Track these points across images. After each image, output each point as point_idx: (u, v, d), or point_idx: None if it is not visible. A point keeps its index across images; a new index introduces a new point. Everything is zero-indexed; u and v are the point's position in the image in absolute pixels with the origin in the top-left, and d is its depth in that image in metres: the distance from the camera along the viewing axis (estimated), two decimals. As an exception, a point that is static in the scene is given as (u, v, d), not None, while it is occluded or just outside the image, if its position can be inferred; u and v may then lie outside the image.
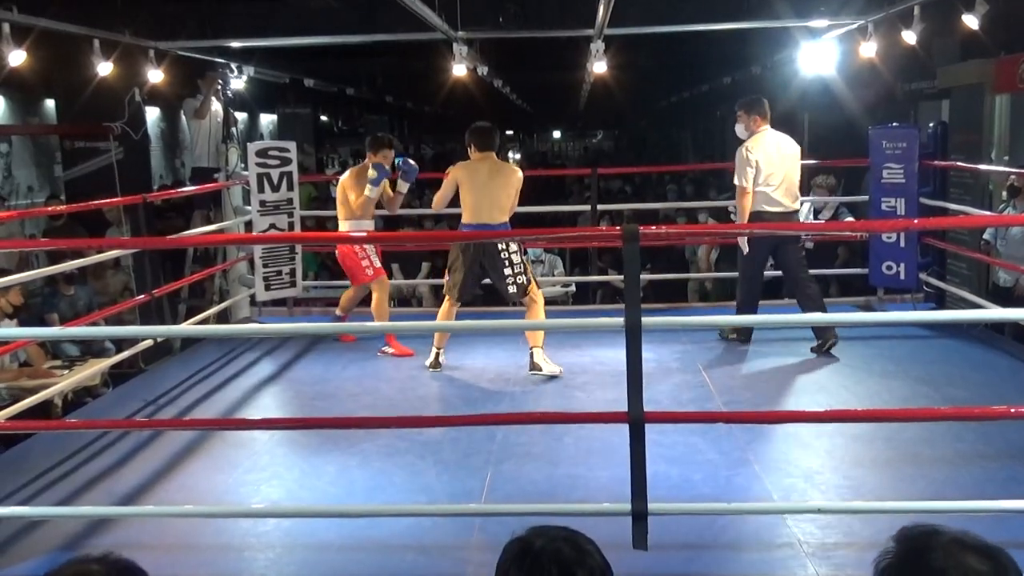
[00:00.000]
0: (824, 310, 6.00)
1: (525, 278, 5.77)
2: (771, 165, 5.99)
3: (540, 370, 5.68)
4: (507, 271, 5.71)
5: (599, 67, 8.48)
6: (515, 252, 5.74)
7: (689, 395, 5.31)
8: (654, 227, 3.50)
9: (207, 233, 7.32)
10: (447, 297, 5.87)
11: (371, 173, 6.23)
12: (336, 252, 6.61)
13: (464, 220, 5.74)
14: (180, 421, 5.10)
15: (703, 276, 9.20)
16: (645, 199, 14.50)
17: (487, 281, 5.88)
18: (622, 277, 8.98)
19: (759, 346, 6.28)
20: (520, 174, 5.82)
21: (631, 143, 33.78)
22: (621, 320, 3.29)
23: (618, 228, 3.29)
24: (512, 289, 5.73)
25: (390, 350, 6.31)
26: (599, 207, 7.79)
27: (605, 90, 15.57)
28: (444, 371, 5.93)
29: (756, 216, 5.96)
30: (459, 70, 8.66)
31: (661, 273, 9.09)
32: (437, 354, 5.95)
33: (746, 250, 6.09)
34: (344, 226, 6.37)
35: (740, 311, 6.18)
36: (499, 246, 5.67)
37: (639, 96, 21.57)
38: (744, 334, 6.33)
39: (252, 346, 6.74)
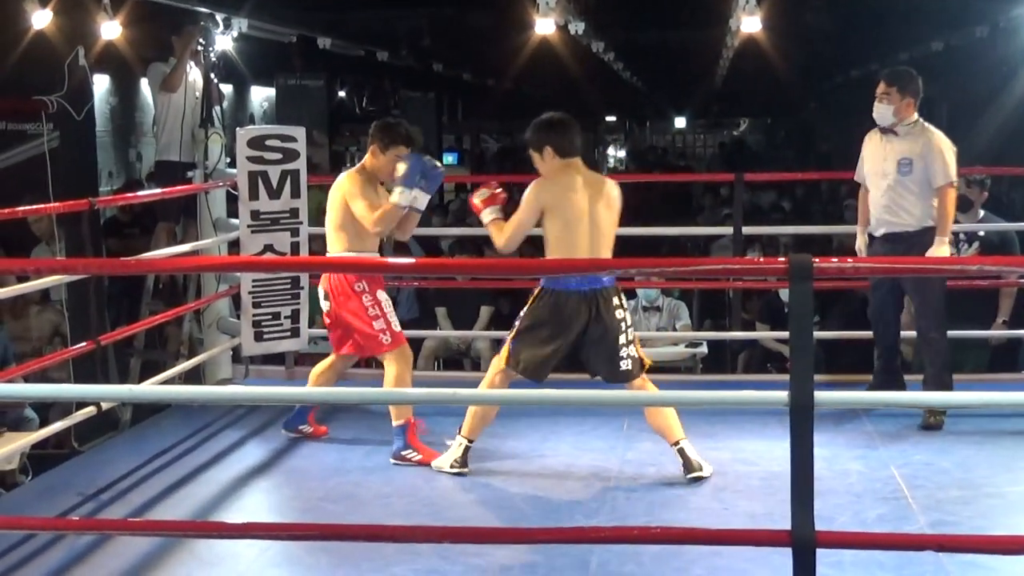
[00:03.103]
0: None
1: (636, 350, 5.73)
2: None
3: (700, 471, 5.66)
4: (621, 340, 5.64)
5: (749, 24, 8.54)
6: (628, 309, 5.74)
7: (877, 509, 5.26)
8: (835, 259, 3.48)
9: (174, 257, 7.45)
10: (503, 365, 5.74)
11: (400, 168, 6.06)
12: (324, 301, 6.25)
13: None
14: (132, 523, 5.17)
15: (903, 336, 9.07)
16: (811, 220, 14.43)
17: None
18: (779, 335, 8.89)
19: (987, 440, 6.22)
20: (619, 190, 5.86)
21: (791, 137, 33.67)
22: (783, 396, 3.28)
23: (782, 260, 3.29)
24: (626, 366, 5.65)
25: (415, 456, 6.01)
26: (744, 229, 7.77)
27: (755, 59, 15.59)
28: (509, 463, 5.94)
29: (925, 233, 6.55)
30: (544, 27, 8.77)
31: (838, 329, 9.01)
32: (466, 448, 5.83)
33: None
34: None
35: (942, 375, 6.41)
36: (614, 302, 5.63)
37: (805, 69, 21.54)
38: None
39: (235, 420, 6.83)
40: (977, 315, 7.80)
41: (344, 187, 6.18)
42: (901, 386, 6.69)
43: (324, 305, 6.24)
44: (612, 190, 5.78)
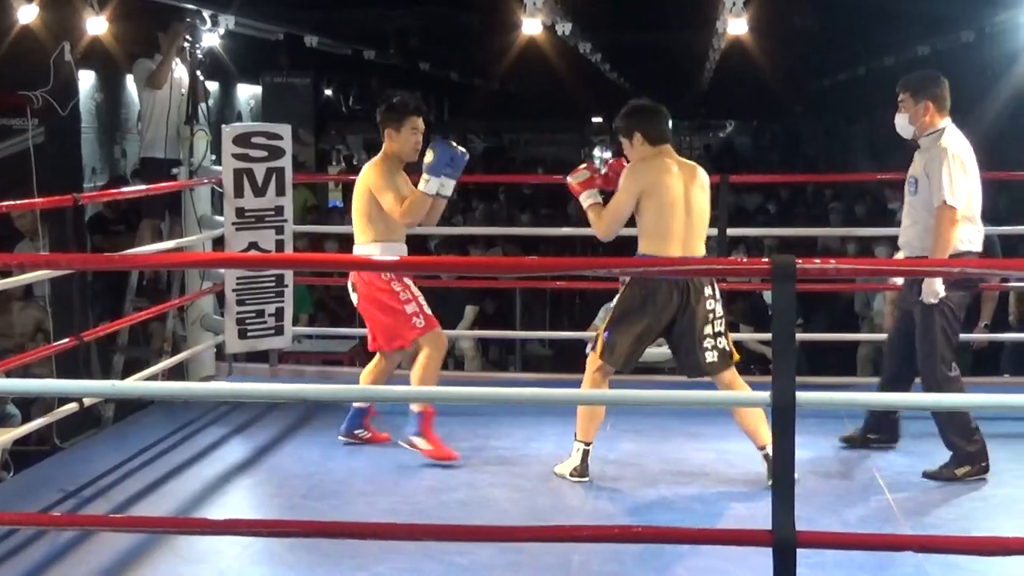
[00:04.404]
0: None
1: (727, 342, 5.66)
2: (975, 178, 5.88)
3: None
4: (708, 330, 5.57)
5: (736, 26, 8.56)
6: (718, 300, 5.63)
7: (859, 510, 5.29)
8: (818, 260, 3.49)
9: (158, 253, 7.44)
10: (600, 361, 5.63)
11: (428, 155, 5.95)
12: (353, 294, 6.16)
13: (651, 253, 5.56)
14: (113, 519, 5.16)
15: (884, 338, 9.10)
16: (796, 222, 14.46)
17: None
18: (761, 336, 8.95)
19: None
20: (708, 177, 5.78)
21: (777, 140, 33.72)
22: (766, 396, 3.30)
23: (765, 260, 3.31)
24: (711, 358, 5.58)
25: (423, 444, 6.00)
26: (729, 231, 7.79)
27: (742, 61, 15.63)
28: (493, 462, 5.94)
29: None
30: (530, 27, 8.78)
31: (821, 332, 9.05)
32: (585, 453, 5.69)
33: (939, 294, 5.71)
34: (368, 252, 6.09)
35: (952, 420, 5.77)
36: (706, 292, 5.55)
37: (792, 72, 21.60)
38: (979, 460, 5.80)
39: (218, 418, 6.82)
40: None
41: (369, 178, 6.05)
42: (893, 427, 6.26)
43: (353, 297, 6.17)
44: (704, 176, 5.73)
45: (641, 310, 5.54)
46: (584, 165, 5.87)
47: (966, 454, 5.71)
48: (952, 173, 5.74)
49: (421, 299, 6.09)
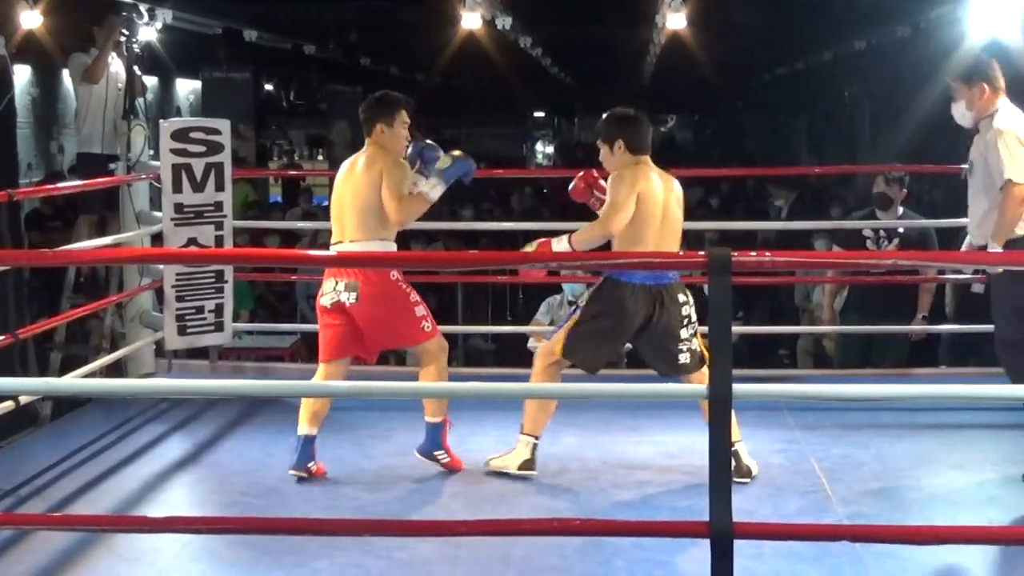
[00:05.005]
0: None
1: (699, 344, 5.64)
2: None
3: (749, 477, 5.57)
4: (683, 333, 5.57)
5: (675, 21, 8.62)
6: (691, 304, 5.62)
7: (797, 502, 5.34)
8: (754, 253, 3.54)
9: (96, 249, 7.38)
10: (557, 356, 5.61)
11: (444, 161, 5.77)
12: (346, 293, 5.67)
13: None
14: (51, 518, 5.13)
15: (823, 330, 9.20)
16: (737, 215, 14.57)
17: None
18: (704, 330, 9.11)
19: (906, 434, 6.31)
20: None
21: (718, 134, 33.91)
22: (702, 388, 3.32)
23: (702, 253, 3.34)
24: (684, 359, 5.59)
25: (444, 458, 5.81)
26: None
27: (682, 56, 15.71)
28: (441, 460, 5.95)
29: (1018, 244, 5.74)
30: (470, 21, 8.80)
31: (760, 325, 9.12)
32: (534, 446, 5.66)
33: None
34: (370, 249, 5.72)
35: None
36: (680, 299, 5.56)
37: (731, 66, 21.70)
38: None
39: (157, 415, 6.78)
40: (897, 310, 7.91)
41: (382, 171, 5.66)
42: None
43: (347, 296, 5.65)
44: (679, 189, 5.75)
45: (610, 314, 5.51)
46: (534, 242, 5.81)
47: None
48: (1011, 148, 5.65)
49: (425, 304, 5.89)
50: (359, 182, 5.71)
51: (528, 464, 5.65)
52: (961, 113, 5.92)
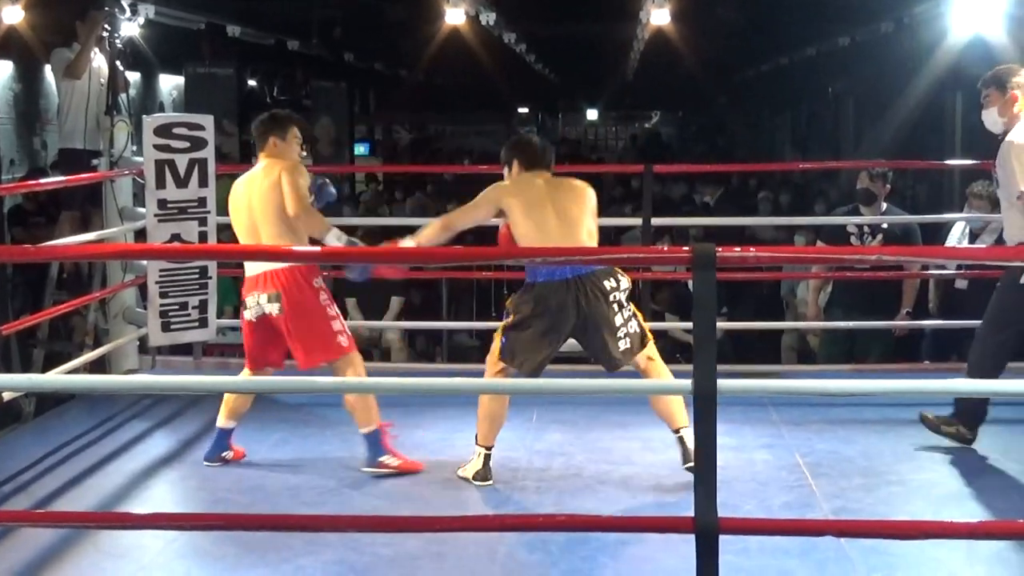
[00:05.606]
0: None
1: (637, 324, 5.61)
2: None
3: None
4: (617, 320, 5.50)
5: (659, 17, 8.64)
6: (624, 289, 5.57)
7: (782, 497, 5.35)
8: (738, 248, 3.54)
9: (79, 244, 7.37)
10: (500, 365, 5.60)
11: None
12: (270, 304, 5.70)
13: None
14: (34, 515, 5.13)
15: (807, 326, 9.23)
16: (722, 211, 14.56)
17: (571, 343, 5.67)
18: (687, 325, 9.06)
19: (890, 429, 6.33)
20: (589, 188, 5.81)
21: (702, 130, 33.97)
22: (687, 384, 3.32)
23: (686, 248, 3.34)
24: (624, 345, 5.52)
25: (392, 461, 5.75)
26: (654, 221, 7.83)
27: (666, 52, 15.72)
28: (418, 453, 5.93)
29: None
30: (454, 17, 8.80)
31: (744, 320, 9.13)
32: (487, 457, 5.64)
33: None
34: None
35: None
36: (607, 286, 5.50)
37: (715, 62, 21.75)
38: (970, 426, 5.97)
39: (141, 411, 6.77)
40: (881, 306, 7.93)
41: (280, 176, 5.71)
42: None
43: (271, 308, 5.70)
44: (577, 184, 5.78)
45: (535, 315, 5.49)
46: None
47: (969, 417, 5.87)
48: (1016, 164, 5.67)
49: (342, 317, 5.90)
50: (263, 189, 5.78)
51: (480, 475, 5.60)
52: (993, 120, 5.91)
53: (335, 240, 5.69)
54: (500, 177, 5.87)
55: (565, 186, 5.77)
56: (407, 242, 5.77)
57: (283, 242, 5.76)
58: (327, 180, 6.13)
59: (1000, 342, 5.88)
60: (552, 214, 5.59)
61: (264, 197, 5.77)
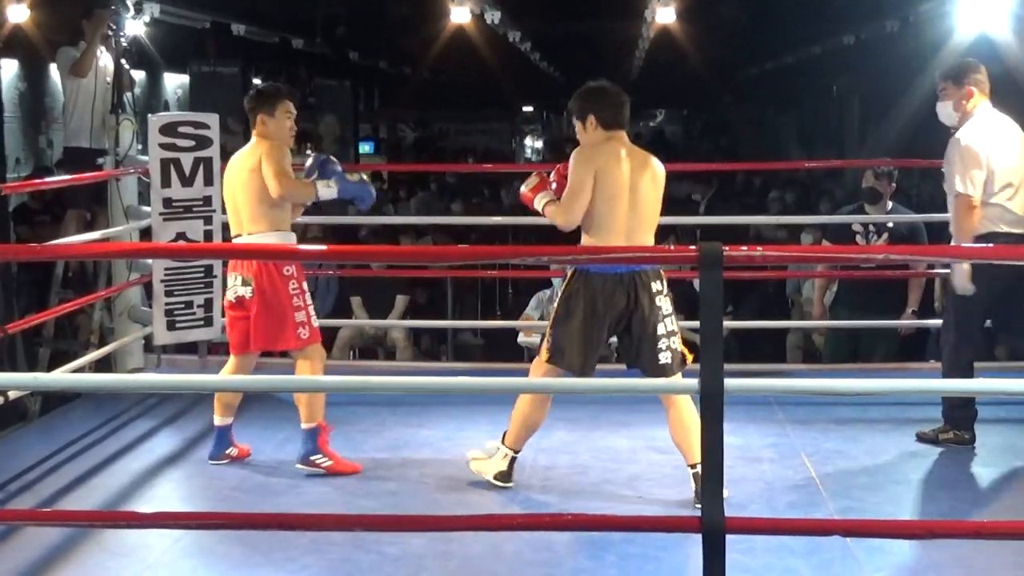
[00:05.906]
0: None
1: (679, 343, 5.39)
2: (1007, 161, 5.84)
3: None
4: (660, 329, 5.29)
5: (664, 15, 8.63)
6: (667, 294, 5.37)
7: (788, 497, 5.36)
8: (745, 247, 3.52)
9: (85, 243, 7.37)
10: (547, 365, 5.38)
11: (353, 175, 5.90)
12: (244, 287, 5.79)
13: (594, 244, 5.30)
14: (40, 513, 5.11)
15: (812, 325, 9.22)
16: (727, 210, 14.53)
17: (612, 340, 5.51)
18: (691, 325, 9.14)
19: (896, 428, 6.32)
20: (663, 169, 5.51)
21: (707, 129, 33.93)
22: (694, 383, 3.32)
23: (693, 247, 3.33)
24: (664, 359, 5.30)
25: (324, 461, 5.70)
26: (659, 220, 7.84)
27: (671, 50, 15.73)
28: (424, 452, 5.93)
29: (988, 239, 5.82)
30: (459, 15, 8.80)
31: (749, 319, 9.12)
32: (513, 459, 5.49)
33: (968, 288, 5.82)
34: (266, 241, 5.79)
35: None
36: (654, 288, 5.31)
37: (720, 61, 21.75)
38: (965, 427, 6.04)
39: (146, 410, 6.77)
40: (886, 305, 7.92)
41: (260, 158, 5.72)
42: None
43: (244, 291, 5.77)
44: (657, 167, 5.43)
45: (583, 308, 5.27)
46: (535, 173, 5.66)
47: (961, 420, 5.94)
48: (964, 162, 5.76)
49: (311, 308, 5.85)
50: (245, 171, 5.82)
51: (503, 476, 5.48)
52: (947, 113, 5.96)
53: (325, 190, 5.79)
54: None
55: (648, 171, 5.38)
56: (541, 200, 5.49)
57: (259, 225, 5.79)
58: (331, 157, 6.03)
59: (965, 338, 5.95)
60: (627, 201, 5.29)
61: (245, 182, 5.82)
